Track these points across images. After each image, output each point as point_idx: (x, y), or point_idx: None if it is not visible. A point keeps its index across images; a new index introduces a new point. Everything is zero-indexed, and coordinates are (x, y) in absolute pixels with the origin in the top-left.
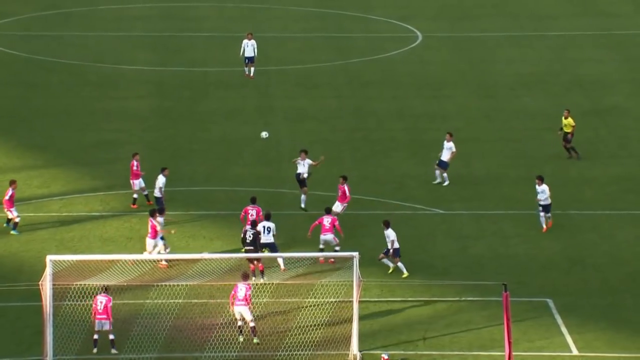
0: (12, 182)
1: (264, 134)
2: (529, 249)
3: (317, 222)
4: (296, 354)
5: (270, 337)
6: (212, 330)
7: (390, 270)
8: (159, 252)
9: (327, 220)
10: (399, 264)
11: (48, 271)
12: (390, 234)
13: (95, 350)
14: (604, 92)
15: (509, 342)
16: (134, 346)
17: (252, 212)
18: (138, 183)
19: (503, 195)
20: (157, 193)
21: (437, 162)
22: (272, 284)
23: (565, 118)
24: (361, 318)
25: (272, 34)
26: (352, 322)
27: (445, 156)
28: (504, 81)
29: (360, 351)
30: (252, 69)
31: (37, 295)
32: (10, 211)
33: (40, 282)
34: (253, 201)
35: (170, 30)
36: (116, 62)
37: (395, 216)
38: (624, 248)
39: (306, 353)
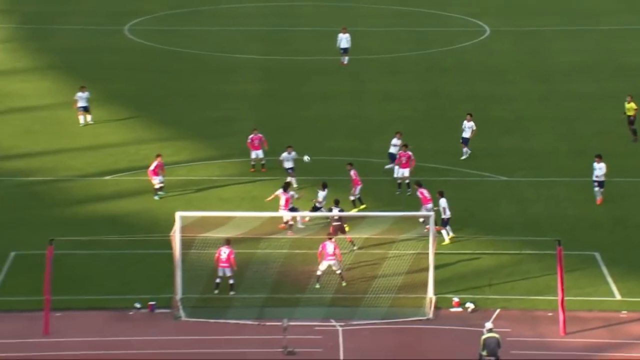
0: (158, 155)
1: (307, 158)
2: (579, 211)
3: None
4: (381, 296)
5: (360, 281)
6: (310, 275)
7: (445, 242)
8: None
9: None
10: (443, 230)
11: (177, 225)
12: (442, 202)
13: (216, 292)
14: None
15: (562, 289)
16: (247, 288)
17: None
18: (255, 153)
19: (557, 166)
20: (289, 164)
21: (461, 140)
22: (362, 238)
23: (628, 102)
24: (436, 267)
25: (363, 28)
26: (428, 270)
27: (467, 134)
28: (558, 68)
29: (435, 295)
30: (346, 58)
31: (168, 245)
32: (154, 179)
33: (171, 234)
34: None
35: (278, 25)
36: (233, 52)
37: (464, 182)
38: None
39: (389, 296)
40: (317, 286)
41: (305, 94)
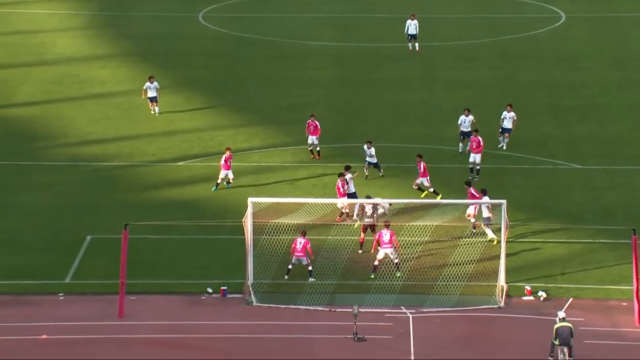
0: (228, 149)
1: (349, 176)
2: None
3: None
4: (452, 284)
5: (430, 269)
6: (381, 263)
7: (495, 242)
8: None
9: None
10: (487, 229)
11: (249, 210)
12: (487, 200)
13: (286, 277)
14: None
15: (637, 278)
16: (318, 274)
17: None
18: (312, 139)
19: (632, 154)
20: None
21: (501, 129)
22: (432, 225)
23: None
24: (508, 255)
25: (436, 15)
26: (499, 258)
27: (508, 124)
28: (635, 55)
29: (506, 283)
30: (416, 44)
31: (240, 230)
32: (222, 172)
33: (243, 220)
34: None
35: (350, 12)
36: (306, 39)
37: (536, 170)
38: None
39: (460, 283)
40: (372, 276)
41: (377, 80)
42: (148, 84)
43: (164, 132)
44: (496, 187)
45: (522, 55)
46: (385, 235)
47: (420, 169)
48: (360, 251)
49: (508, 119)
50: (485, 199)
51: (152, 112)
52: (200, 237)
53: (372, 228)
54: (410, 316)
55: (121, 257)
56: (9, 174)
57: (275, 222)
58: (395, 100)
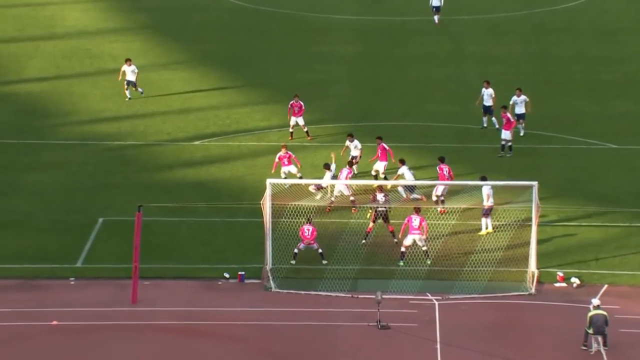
0: (283, 146)
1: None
2: None
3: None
4: (480, 270)
5: (458, 254)
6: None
7: (482, 233)
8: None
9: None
10: (484, 220)
11: (268, 192)
12: (486, 190)
13: (293, 262)
14: None
15: None
16: (339, 259)
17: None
18: (295, 120)
19: None
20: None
21: (516, 117)
22: (460, 208)
23: None
24: (539, 240)
25: None
26: (530, 243)
27: (520, 109)
28: None
29: (537, 269)
30: (437, 17)
31: (258, 213)
32: (285, 169)
33: (261, 202)
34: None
35: None
36: (327, 12)
37: (570, 150)
38: None
39: (489, 269)
40: (401, 264)
41: (402, 56)
42: (125, 66)
43: (179, 109)
44: (527, 168)
45: (556, 29)
46: (415, 220)
47: (378, 153)
48: (363, 241)
49: (519, 103)
50: (486, 188)
51: (126, 98)
52: (217, 220)
53: (385, 218)
54: (436, 303)
55: (134, 240)
56: (18, 152)
57: (295, 204)
58: (421, 77)
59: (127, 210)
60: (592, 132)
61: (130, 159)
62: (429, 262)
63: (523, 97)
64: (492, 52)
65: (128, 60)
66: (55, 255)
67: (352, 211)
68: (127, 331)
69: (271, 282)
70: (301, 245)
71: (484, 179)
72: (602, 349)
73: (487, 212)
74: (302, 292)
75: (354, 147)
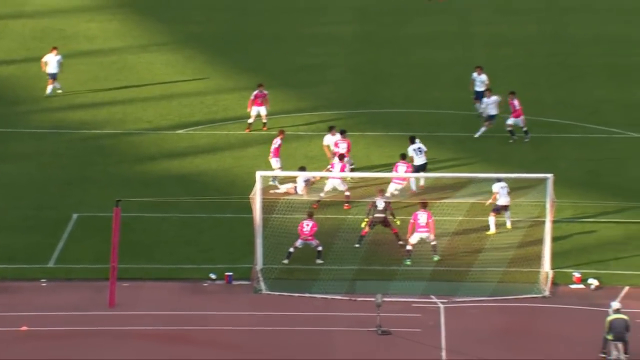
0: (281, 132)
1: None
2: None
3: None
4: (489, 270)
5: (465, 253)
6: (406, 245)
7: (490, 232)
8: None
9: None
10: (491, 218)
11: (258, 186)
12: (496, 187)
13: (285, 261)
14: None
15: None
16: (336, 258)
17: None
18: (257, 110)
19: None
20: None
21: (475, 95)
22: (468, 203)
23: None
24: (554, 238)
25: None
26: (544, 241)
27: (480, 88)
28: None
29: (552, 269)
30: None
31: (248, 208)
32: (277, 161)
33: (250, 196)
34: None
35: None
36: None
37: (589, 139)
38: None
39: (499, 269)
40: (408, 262)
41: (404, 37)
42: (50, 55)
43: (161, 96)
44: (541, 159)
45: (573, 7)
46: (422, 217)
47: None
48: (357, 245)
49: (479, 83)
50: (496, 185)
51: (50, 93)
52: (203, 216)
53: (385, 224)
54: (442, 306)
55: (112, 238)
56: None
57: (287, 199)
58: (425, 60)
59: (104, 206)
60: (613, 120)
61: (107, 149)
62: (436, 258)
63: (484, 76)
64: (503, 33)
65: (54, 49)
66: (24, 255)
67: (345, 207)
68: (104, 337)
69: (262, 283)
70: (298, 242)
71: (498, 178)
72: (622, 356)
73: (498, 210)
74: (296, 295)
75: (333, 142)
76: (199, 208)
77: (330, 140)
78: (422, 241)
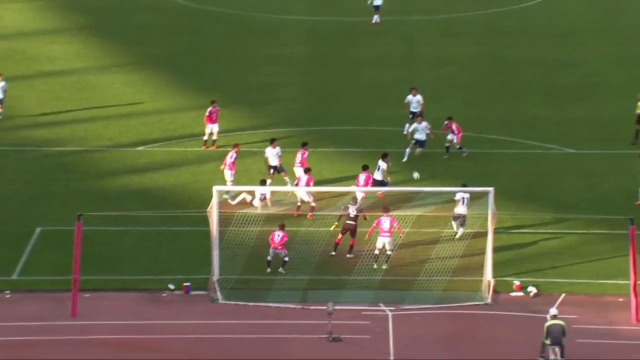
0: (236, 145)
1: (416, 175)
2: None
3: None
4: (435, 279)
5: (412, 264)
6: (357, 256)
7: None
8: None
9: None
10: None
11: (215, 200)
12: (459, 195)
13: (268, 270)
14: None
15: (634, 272)
16: (290, 268)
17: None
18: (211, 127)
19: (630, 137)
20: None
21: (411, 115)
22: (414, 215)
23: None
24: (495, 248)
25: None
26: (486, 251)
27: (415, 108)
28: (633, 30)
29: (493, 278)
30: (377, 16)
31: (205, 222)
32: (228, 174)
33: (208, 210)
34: (365, 168)
35: None
36: (276, 12)
37: (526, 155)
38: None
39: (444, 278)
40: (375, 266)
41: (353, 58)
42: None
43: (121, 114)
44: (482, 173)
45: (512, 30)
46: (385, 222)
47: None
48: (333, 253)
49: (414, 103)
50: (461, 194)
51: None
52: (162, 229)
53: (353, 233)
54: (390, 314)
55: (74, 251)
56: None
57: (243, 213)
58: (373, 80)
59: (67, 220)
60: (548, 136)
61: (69, 165)
62: (384, 267)
63: (419, 96)
64: (445, 54)
65: None
66: None
67: (308, 217)
68: (66, 346)
69: (218, 293)
70: (270, 252)
71: (464, 185)
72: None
73: (456, 218)
74: (251, 304)
75: (275, 155)
76: (158, 222)
77: (271, 152)
78: (385, 246)
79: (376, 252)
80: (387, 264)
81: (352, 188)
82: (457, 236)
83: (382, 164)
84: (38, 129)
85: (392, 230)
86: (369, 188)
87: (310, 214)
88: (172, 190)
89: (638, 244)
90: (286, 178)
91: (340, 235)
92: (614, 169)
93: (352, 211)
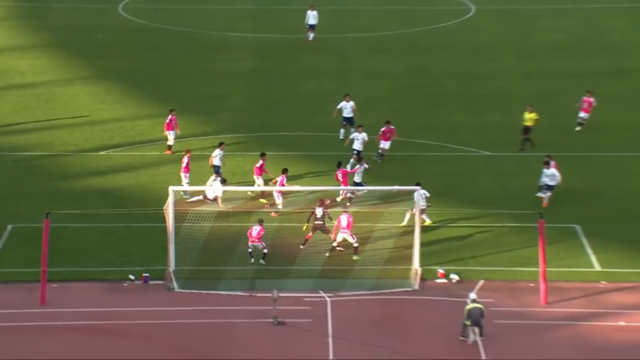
0: (188, 151)
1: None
2: (560, 185)
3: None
4: (369, 268)
5: (349, 254)
6: (300, 248)
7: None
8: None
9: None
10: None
11: (170, 199)
12: (417, 196)
13: (252, 260)
14: (624, 55)
15: (543, 260)
16: (240, 259)
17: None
18: (173, 134)
19: (537, 141)
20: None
21: (343, 120)
22: (351, 211)
23: (529, 112)
24: (421, 240)
25: (351, 7)
26: (414, 243)
27: (348, 113)
28: (538, 47)
29: (420, 267)
30: (312, 34)
31: (161, 218)
32: (186, 177)
33: (164, 208)
34: (339, 165)
35: (267, 4)
36: (224, 30)
37: (448, 157)
38: (638, 184)
39: (377, 267)
40: (327, 254)
41: (294, 71)
42: None
43: (85, 122)
44: (408, 174)
45: (433, 47)
46: (343, 219)
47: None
48: (302, 247)
49: (348, 108)
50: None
51: None
52: (122, 226)
53: (323, 229)
54: (329, 300)
55: (43, 245)
56: None
57: (196, 210)
58: (311, 91)
59: (36, 218)
60: (467, 140)
61: (38, 169)
62: (355, 258)
63: (352, 102)
64: (375, 68)
65: None
66: None
67: (272, 215)
68: (36, 332)
69: (174, 282)
70: (249, 245)
71: (418, 184)
72: (478, 339)
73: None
74: (204, 292)
75: (219, 157)
76: (119, 219)
77: (218, 153)
78: (344, 240)
79: (334, 244)
80: (358, 255)
81: (320, 187)
82: (404, 223)
83: (361, 166)
84: (9, 136)
85: (349, 224)
86: (338, 187)
87: (273, 211)
88: (131, 190)
89: (546, 236)
90: (218, 179)
91: (310, 233)
92: (524, 169)
93: (319, 212)
